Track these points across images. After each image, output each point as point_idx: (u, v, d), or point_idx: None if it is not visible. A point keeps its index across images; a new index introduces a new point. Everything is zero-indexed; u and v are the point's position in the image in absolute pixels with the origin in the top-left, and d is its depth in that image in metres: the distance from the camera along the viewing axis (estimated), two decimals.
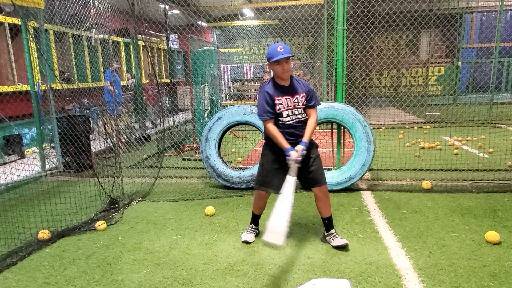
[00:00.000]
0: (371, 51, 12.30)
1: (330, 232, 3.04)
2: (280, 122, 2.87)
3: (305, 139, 2.82)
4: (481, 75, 13.49)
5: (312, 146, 2.98)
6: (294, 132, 2.88)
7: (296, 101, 2.85)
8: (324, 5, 8.90)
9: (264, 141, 3.06)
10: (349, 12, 5.25)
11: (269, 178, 2.94)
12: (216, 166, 4.61)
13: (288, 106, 2.84)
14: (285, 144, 2.76)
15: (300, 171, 2.84)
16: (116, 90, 7.75)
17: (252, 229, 3.23)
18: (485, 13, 13.59)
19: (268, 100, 2.82)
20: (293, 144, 2.80)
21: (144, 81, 10.29)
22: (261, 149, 3.11)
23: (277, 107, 2.83)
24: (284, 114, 2.85)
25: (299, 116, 2.88)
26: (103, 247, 3.18)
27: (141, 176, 5.34)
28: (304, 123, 2.90)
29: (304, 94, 2.86)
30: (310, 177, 2.94)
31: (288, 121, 2.87)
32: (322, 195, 2.97)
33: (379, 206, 3.89)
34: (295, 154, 2.70)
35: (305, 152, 2.78)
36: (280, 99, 2.83)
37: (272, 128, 2.81)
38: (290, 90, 2.85)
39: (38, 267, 2.88)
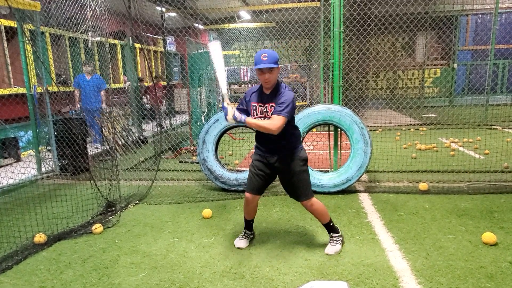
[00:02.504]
0: (368, 54, 12.35)
1: (330, 235, 3.04)
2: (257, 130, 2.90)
3: (247, 118, 2.76)
4: (476, 77, 13.57)
5: (294, 159, 2.85)
6: (270, 141, 2.85)
7: (265, 110, 2.78)
8: (321, 8, 8.94)
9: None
10: (346, 15, 5.28)
11: (250, 180, 2.98)
12: (213, 168, 4.60)
13: (259, 115, 2.81)
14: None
15: (281, 180, 2.97)
16: (77, 105, 7.22)
17: (246, 235, 3.19)
18: (480, 15, 13.69)
19: (245, 98, 2.92)
20: (271, 151, 2.88)
21: (147, 83, 10.26)
22: None
23: (252, 113, 2.85)
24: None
25: None
26: (99, 250, 3.16)
27: (138, 178, 5.32)
28: (285, 132, 2.78)
29: (273, 104, 2.74)
30: (289, 191, 2.96)
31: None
32: (308, 209, 2.95)
33: (376, 208, 3.90)
34: (230, 109, 2.74)
35: (234, 119, 2.74)
36: (255, 105, 2.83)
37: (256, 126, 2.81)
38: (267, 99, 2.79)
39: (34, 271, 2.86)
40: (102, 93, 7.37)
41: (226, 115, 2.75)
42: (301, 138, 3.00)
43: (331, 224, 2.99)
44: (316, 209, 2.92)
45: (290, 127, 2.84)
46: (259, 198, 3.05)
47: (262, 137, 2.90)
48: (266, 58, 2.67)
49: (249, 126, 2.81)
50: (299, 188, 2.89)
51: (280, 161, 2.88)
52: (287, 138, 2.84)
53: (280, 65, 2.80)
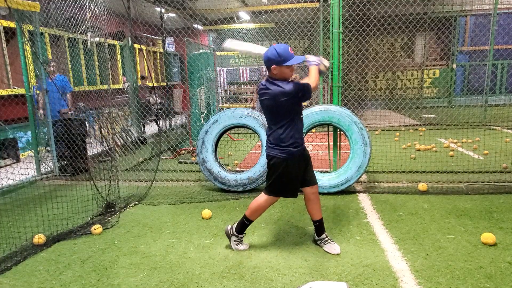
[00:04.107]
0: (367, 54, 12.36)
1: (321, 237, 3.04)
2: (298, 118, 2.82)
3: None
4: (475, 77, 13.59)
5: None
6: (301, 128, 2.92)
7: None
8: (320, 9, 8.95)
9: (268, 147, 2.89)
10: (345, 15, 5.28)
11: (288, 186, 2.90)
12: (213, 169, 4.60)
13: None
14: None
15: (307, 171, 2.96)
16: (40, 111, 5.95)
17: (242, 239, 3.12)
18: (478, 16, 13.71)
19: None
20: (301, 140, 2.89)
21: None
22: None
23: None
24: (301, 108, 2.86)
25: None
26: (99, 251, 3.16)
27: (137, 179, 5.32)
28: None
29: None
30: (305, 175, 2.93)
31: (301, 116, 2.88)
32: (314, 197, 2.97)
33: (375, 208, 3.90)
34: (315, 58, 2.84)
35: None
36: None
37: (315, 79, 2.83)
38: None
39: (33, 272, 2.85)
40: (68, 96, 6.42)
41: (318, 63, 2.82)
42: None
43: (321, 220, 3.06)
44: (319, 198, 3.03)
45: None
46: None
47: (301, 127, 2.88)
48: (293, 51, 2.71)
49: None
50: (312, 172, 2.98)
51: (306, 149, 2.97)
52: None
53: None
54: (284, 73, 2.71)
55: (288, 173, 2.83)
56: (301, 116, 2.87)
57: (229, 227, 3.11)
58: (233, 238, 3.07)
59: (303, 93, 2.72)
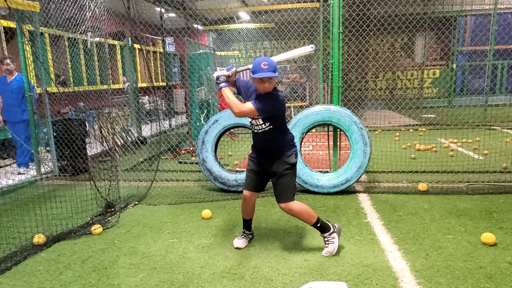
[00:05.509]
0: (367, 54, 12.36)
1: (322, 236, 3.01)
2: (253, 130, 2.93)
3: (225, 88, 2.80)
4: (475, 77, 13.59)
5: (280, 162, 2.87)
6: (259, 142, 2.94)
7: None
8: (320, 8, 8.95)
9: None
10: (345, 16, 5.28)
11: (246, 178, 3.05)
12: (213, 169, 4.60)
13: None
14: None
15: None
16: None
17: (244, 234, 3.20)
18: (478, 16, 13.71)
19: (250, 87, 2.92)
20: (260, 152, 2.97)
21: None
22: None
23: None
24: (252, 121, 2.88)
25: (262, 127, 2.83)
26: (99, 251, 3.16)
27: (137, 179, 5.32)
28: (272, 134, 2.86)
29: None
30: (274, 192, 2.97)
31: (255, 130, 2.90)
32: (290, 213, 2.93)
33: (375, 208, 3.90)
34: (223, 72, 2.83)
35: (217, 78, 2.81)
36: None
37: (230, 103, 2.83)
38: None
39: (33, 272, 2.85)
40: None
41: (216, 71, 2.82)
42: (299, 142, 2.99)
43: (319, 224, 2.94)
44: (297, 213, 2.90)
45: (278, 131, 2.87)
46: (256, 196, 3.08)
47: (255, 138, 2.98)
48: (267, 67, 2.67)
49: (221, 94, 2.83)
50: (278, 190, 2.91)
51: (267, 163, 2.95)
52: (275, 142, 2.89)
53: (277, 72, 2.82)
54: (255, 82, 2.80)
55: (248, 163, 3.06)
56: (255, 131, 2.89)
57: None
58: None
59: None
